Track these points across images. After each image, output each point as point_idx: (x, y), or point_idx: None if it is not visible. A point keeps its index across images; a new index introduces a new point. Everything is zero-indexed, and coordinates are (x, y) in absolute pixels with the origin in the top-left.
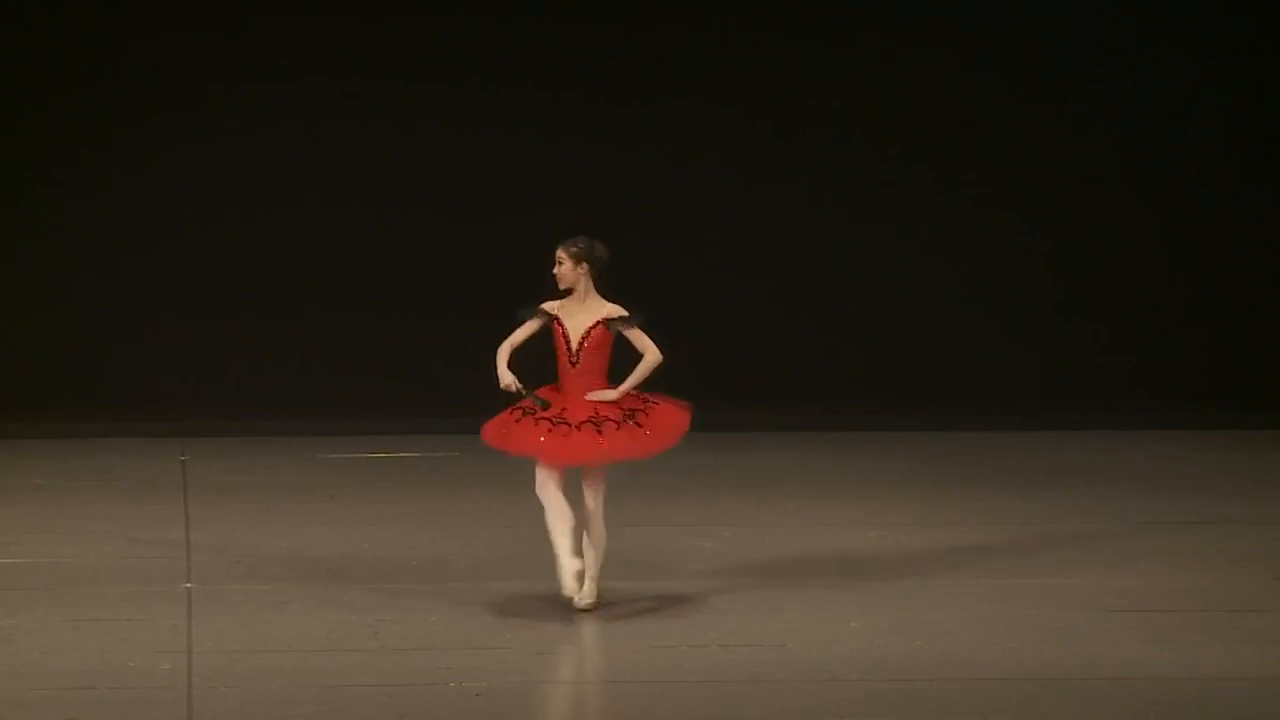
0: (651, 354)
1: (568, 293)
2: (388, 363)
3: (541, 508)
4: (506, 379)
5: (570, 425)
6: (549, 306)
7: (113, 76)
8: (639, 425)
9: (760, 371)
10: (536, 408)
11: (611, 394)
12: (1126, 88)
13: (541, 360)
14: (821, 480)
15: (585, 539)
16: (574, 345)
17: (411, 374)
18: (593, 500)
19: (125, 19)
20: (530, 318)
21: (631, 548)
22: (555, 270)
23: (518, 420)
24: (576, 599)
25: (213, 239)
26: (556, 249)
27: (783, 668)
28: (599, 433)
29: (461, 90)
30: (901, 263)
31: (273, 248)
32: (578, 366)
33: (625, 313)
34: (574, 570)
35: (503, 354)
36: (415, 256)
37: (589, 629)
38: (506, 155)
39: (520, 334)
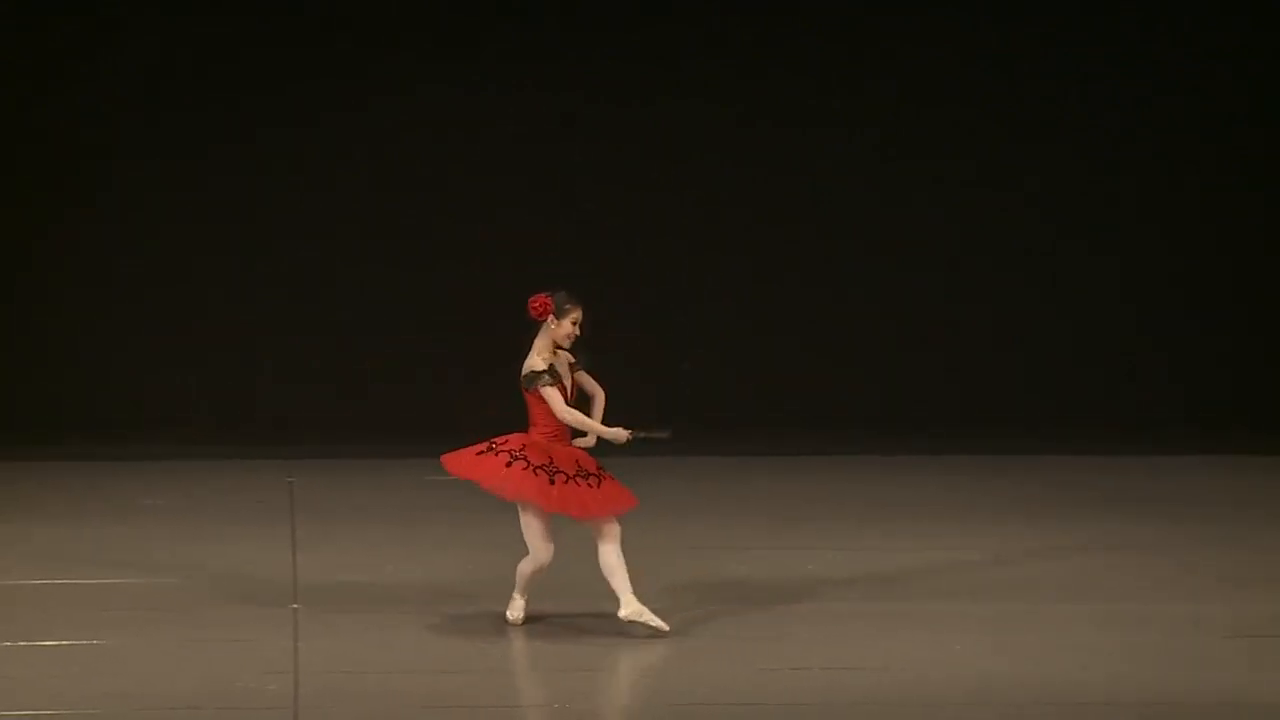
0: (601, 394)
1: (526, 342)
2: (499, 385)
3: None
4: (619, 433)
5: (568, 475)
6: (555, 366)
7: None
8: (613, 481)
9: (856, 395)
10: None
11: (591, 441)
12: (1154, 91)
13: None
14: (925, 504)
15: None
16: (570, 393)
17: (519, 397)
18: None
19: (125, 35)
20: (556, 383)
21: (736, 571)
22: (576, 329)
23: (508, 465)
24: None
25: (324, 263)
26: (579, 309)
27: (885, 690)
28: (590, 486)
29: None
30: (989, 288)
31: (378, 272)
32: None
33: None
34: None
35: (579, 416)
36: (523, 282)
37: (694, 652)
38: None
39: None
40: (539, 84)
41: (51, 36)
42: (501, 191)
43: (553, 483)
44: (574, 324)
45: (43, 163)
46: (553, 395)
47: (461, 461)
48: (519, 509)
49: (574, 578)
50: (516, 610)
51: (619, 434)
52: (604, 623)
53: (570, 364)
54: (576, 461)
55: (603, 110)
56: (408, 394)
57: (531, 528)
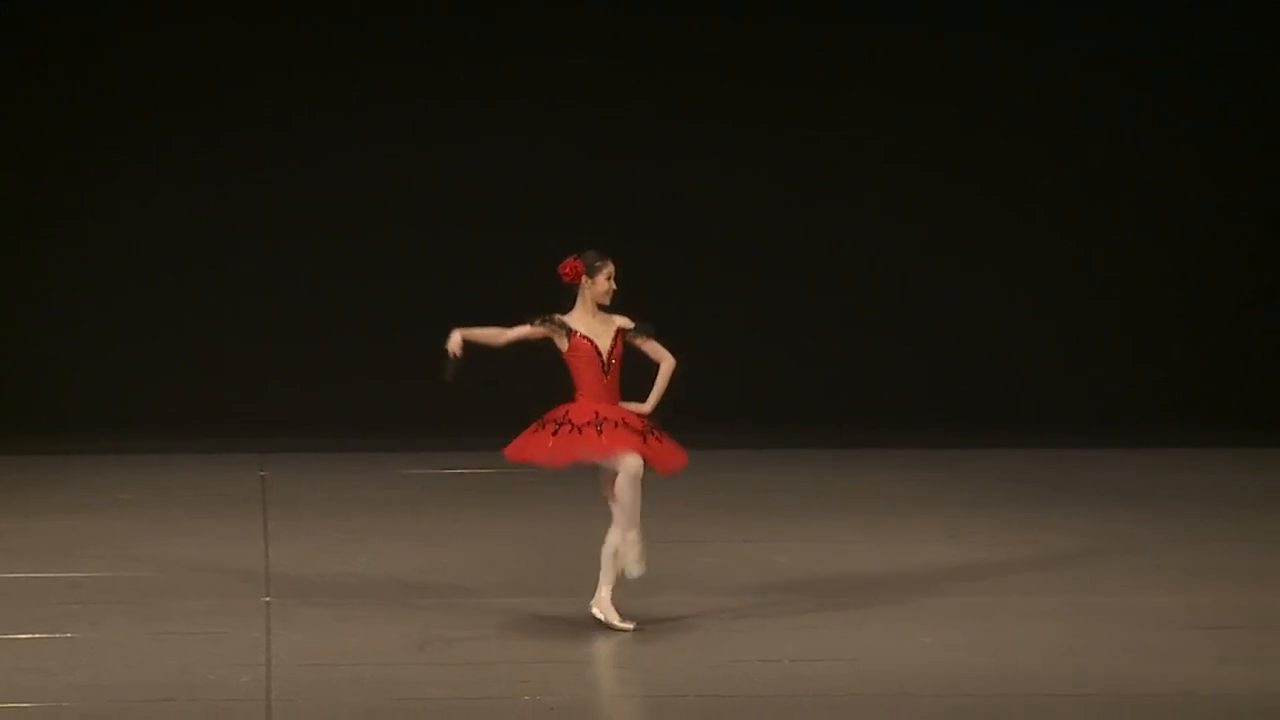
0: (669, 361)
1: (566, 307)
2: (466, 379)
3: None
4: (456, 343)
5: (614, 423)
6: (568, 320)
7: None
8: (661, 441)
9: (832, 389)
10: (563, 424)
11: (645, 406)
12: (1151, 92)
13: (546, 370)
14: (895, 496)
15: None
16: (605, 356)
17: (488, 391)
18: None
19: (127, 58)
20: (537, 324)
21: (706, 562)
22: (611, 283)
23: (554, 434)
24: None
25: (296, 259)
26: (610, 262)
27: (855, 682)
28: (634, 434)
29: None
30: (965, 282)
31: (352, 268)
32: (609, 376)
33: (633, 323)
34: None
35: (473, 332)
36: (497, 276)
37: (661, 643)
38: (550, 167)
39: (514, 332)
40: (528, 87)
41: (51, 36)
42: (486, 190)
43: (600, 431)
44: (609, 279)
45: (23, 163)
46: (521, 329)
47: (517, 445)
48: (615, 473)
49: (553, 570)
50: (631, 560)
51: (453, 341)
52: (576, 614)
53: (622, 330)
54: (623, 418)
55: (598, 111)
56: (382, 389)
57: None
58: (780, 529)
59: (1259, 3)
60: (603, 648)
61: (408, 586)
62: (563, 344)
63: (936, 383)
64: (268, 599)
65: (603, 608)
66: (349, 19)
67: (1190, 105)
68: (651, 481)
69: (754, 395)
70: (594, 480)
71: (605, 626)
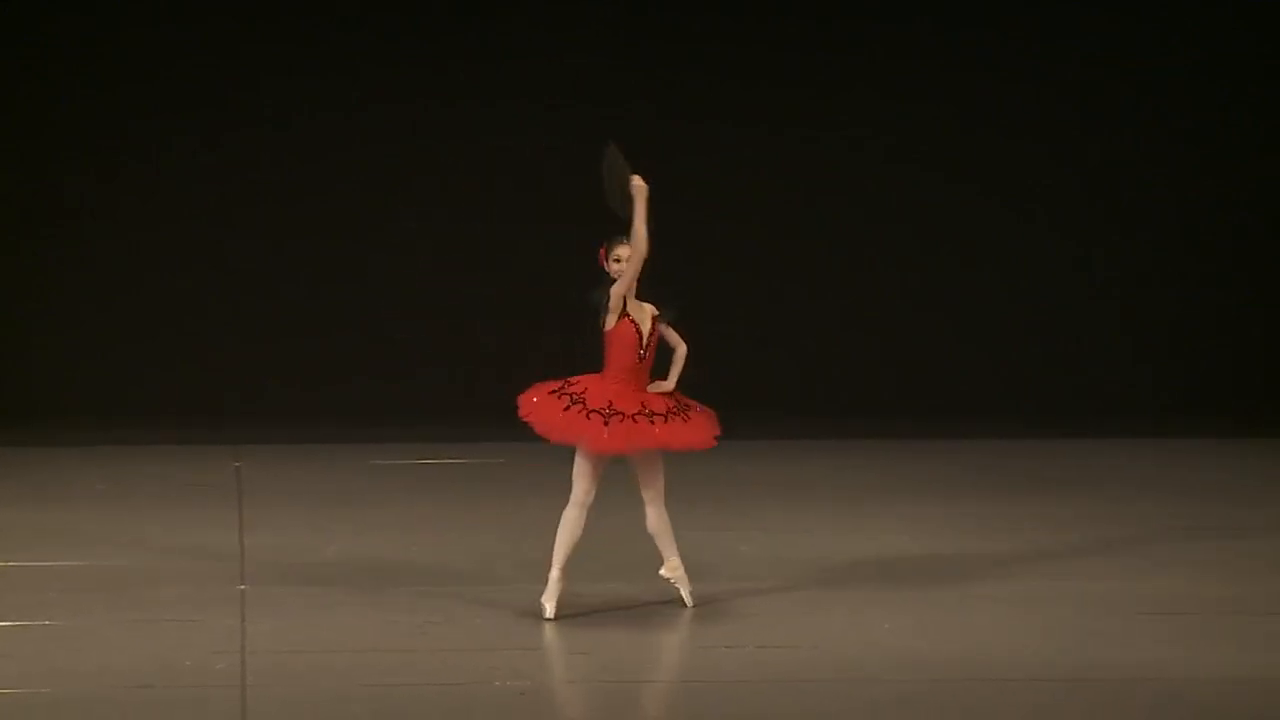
0: (683, 347)
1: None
2: (437, 371)
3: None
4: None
5: (625, 415)
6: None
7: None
8: (685, 420)
9: (798, 380)
10: (576, 394)
11: (667, 385)
12: (1151, 92)
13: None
14: (856, 486)
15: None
16: (644, 340)
17: (460, 382)
18: (652, 498)
19: (127, 58)
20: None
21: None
22: (610, 263)
23: (565, 409)
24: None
25: (296, 259)
26: (604, 244)
27: (817, 668)
28: (651, 423)
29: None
30: (933, 271)
31: (352, 268)
32: (644, 361)
33: (659, 310)
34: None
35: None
36: (465, 267)
37: (629, 630)
38: (545, 163)
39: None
40: (528, 87)
41: (51, 36)
42: (486, 190)
43: (606, 424)
44: (608, 259)
45: (23, 163)
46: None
47: (530, 404)
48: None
49: (524, 558)
50: (551, 594)
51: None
52: (537, 602)
53: (654, 316)
54: (642, 404)
55: (598, 111)
56: (354, 382)
57: (579, 468)
58: (741, 518)
59: (1259, 3)
60: (571, 635)
61: (381, 574)
62: (611, 321)
63: (936, 382)
64: (243, 587)
65: (677, 576)
66: (349, 19)
67: (1190, 105)
68: (622, 474)
69: (754, 396)
70: (566, 470)
71: (676, 591)
